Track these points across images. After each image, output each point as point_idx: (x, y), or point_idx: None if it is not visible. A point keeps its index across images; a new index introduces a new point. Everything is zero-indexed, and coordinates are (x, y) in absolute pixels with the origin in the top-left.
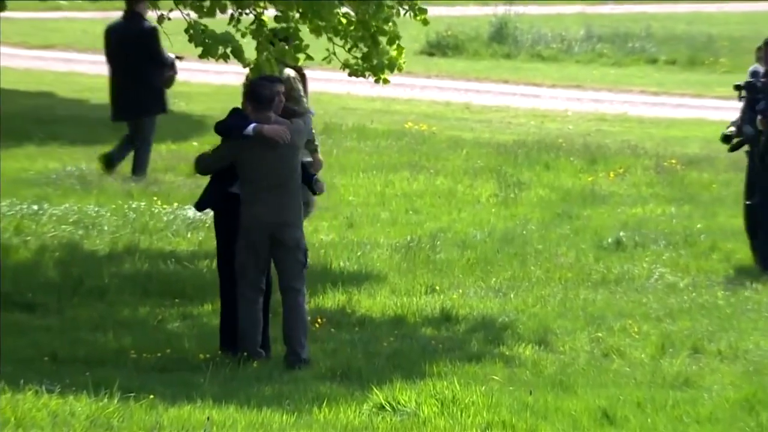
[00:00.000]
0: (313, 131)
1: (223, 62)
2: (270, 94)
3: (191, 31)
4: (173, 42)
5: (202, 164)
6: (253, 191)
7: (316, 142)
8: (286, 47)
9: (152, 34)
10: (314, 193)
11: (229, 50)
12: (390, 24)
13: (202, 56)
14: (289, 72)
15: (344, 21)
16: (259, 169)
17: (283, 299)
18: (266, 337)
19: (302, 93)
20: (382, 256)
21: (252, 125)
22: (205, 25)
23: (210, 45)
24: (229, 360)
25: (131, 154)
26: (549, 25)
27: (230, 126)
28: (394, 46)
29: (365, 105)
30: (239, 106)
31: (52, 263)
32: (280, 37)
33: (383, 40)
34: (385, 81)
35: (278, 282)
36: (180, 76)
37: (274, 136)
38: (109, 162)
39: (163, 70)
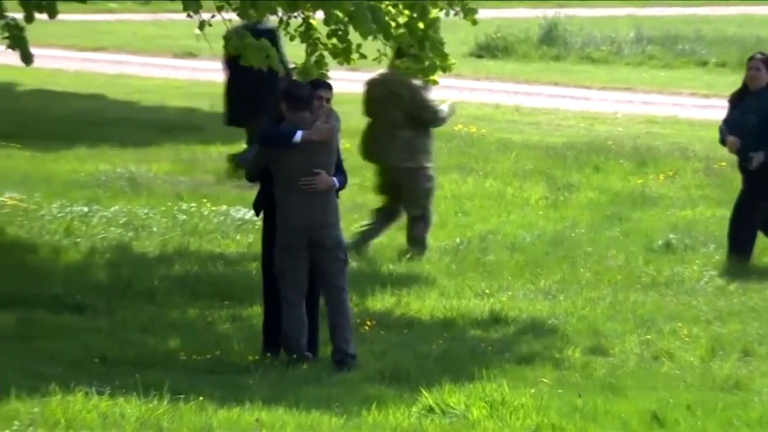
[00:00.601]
0: None
1: None
2: (307, 95)
3: (230, 38)
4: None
5: (246, 172)
6: (287, 193)
7: None
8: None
9: (275, 35)
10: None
11: (265, 57)
12: (433, 30)
13: (241, 63)
14: (416, 81)
15: (393, 24)
16: (294, 171)
17: (326, 298)
18: (315, 340)
19: (428, 102)
20: (431, 259)
21: (299, 133)
22: (245, 32)
23: (248, 52)
24: (278, 362)
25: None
26: (599, 27)
27: (275, 136)
28: (437, 53)
29: None
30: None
31: (102, 265)
32: (406, 53)
33: (428, 45)
34: (434, 82)
35: (321, 283)
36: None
37: (321, 138)
38: (239, 164)
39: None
